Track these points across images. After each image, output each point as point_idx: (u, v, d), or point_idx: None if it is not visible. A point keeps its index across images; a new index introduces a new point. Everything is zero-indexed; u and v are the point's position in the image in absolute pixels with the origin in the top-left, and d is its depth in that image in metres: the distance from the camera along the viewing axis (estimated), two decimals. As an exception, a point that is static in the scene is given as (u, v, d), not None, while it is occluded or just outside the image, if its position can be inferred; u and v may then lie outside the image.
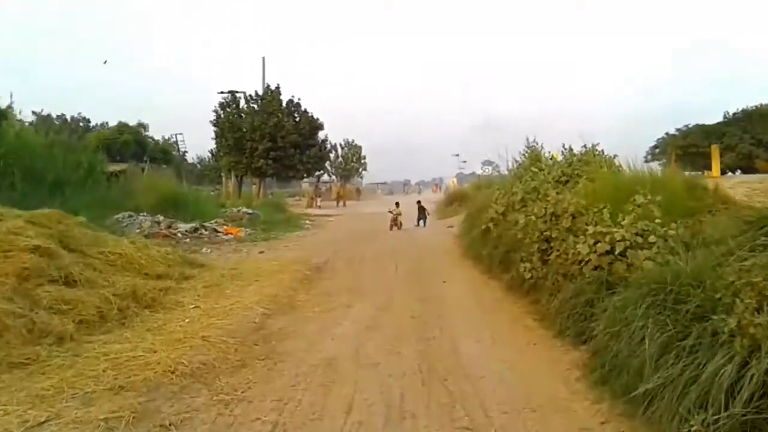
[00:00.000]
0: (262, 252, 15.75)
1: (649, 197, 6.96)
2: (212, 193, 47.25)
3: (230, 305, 8.81)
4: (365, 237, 20.68)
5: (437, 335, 7.26)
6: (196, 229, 19.80)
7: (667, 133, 62.33)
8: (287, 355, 6.62)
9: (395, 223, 23.57)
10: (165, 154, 65.96)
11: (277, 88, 44.74)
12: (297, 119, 44.90)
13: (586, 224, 7.78)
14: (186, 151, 76.78)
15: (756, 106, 62.12)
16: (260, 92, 44.92)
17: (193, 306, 8.80)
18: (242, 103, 45.03)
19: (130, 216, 20.66)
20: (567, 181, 12.13)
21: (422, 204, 26.68)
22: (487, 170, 79.97)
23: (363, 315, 8.56)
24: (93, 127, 76.77)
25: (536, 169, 13.64)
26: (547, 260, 8.50)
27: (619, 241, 6.37)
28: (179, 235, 19.11)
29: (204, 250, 16.03)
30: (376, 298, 9.80)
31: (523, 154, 16.75)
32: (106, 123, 74.42)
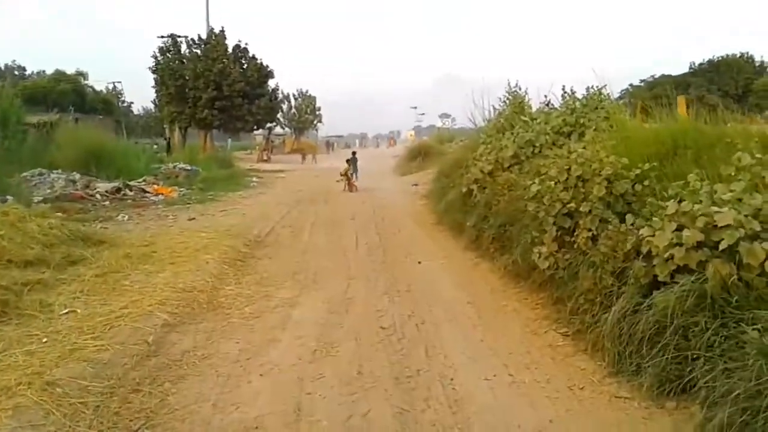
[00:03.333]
0: (192, 219, 12.94)
1: (759, 156, 4.47)
2: (153, 146, 43.83)
3: (121, 309, 6.13)
4: (319, 197, 18.02)
5: (423, 367, 4.74)
6: (119, 189, 16.82)
7: (631, 85, 60.76)
8: (176, 419, 4.01)
9: (348, 182, 20.56)
10: (107, 104, 61.72)
11: (222, 31, 41.13)
12: (244, 66, 41.46)
13: (643, 195, 5.38)
14: (131, 102, 72.60)
15: (722, 57, 61.17)
16: (203, 36, 41.13)
17: (65, 311, 6.08)
18: (184, 48, 41.25)
19: (41, 174, 17.59)
20: (570, 133, 9.69)
21: (355, 156, 23.56)
22: (447, 123, 78.13)
23: (310, 322, 6.00)
24: (29, 75, 71.94)
25: (527, 118, 11.14)
26: (569, 242, 6.08)
27: (723, 227, 3.89)
28: (98, 196, 16.14)
29: (120, 216, 13.13)
30: (329, 290, 7.26)
31: (504, 101, 14.20)
32: (44, 72, 69.77)
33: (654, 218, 4.50)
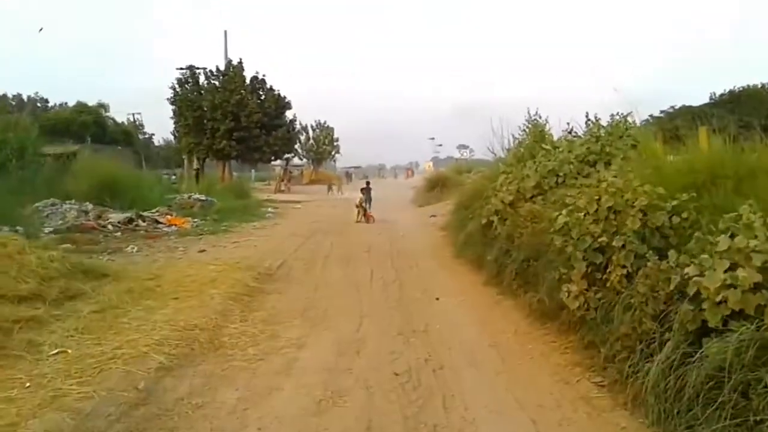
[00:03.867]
0: (202, 251, 12.56)
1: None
2: (171, 177, 43.90)
3: (114, 349, 5.69)
4: (335, 229, 17.56)
5: (440, 422, 4.20)
6: (131, 220, 16.52)
7: (651, 116, 60.04)
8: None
9: (363, 213, 20.08)
10: (127, 135, 62.38)
11: (240, 63, 41.43)
12: (262, 97, 41.60)
13: (680, 228, 4.88)
14: (152, 134, 73.39)
15: (743, 87, 60.31)
16: (222, 68, 41.40)
17: (54, 351, 5.64)
18: (202, 79, 41.52)
19: (53, 204, 17.37)
20: (595, 162, 9.19)
21: (369, 186, 23.25)
22: (465, 153, 77.94)
23: (317, 367, 5.50)
24: (51, 107, 73.07)
25: (548, 147, 10.67)
26: (600, 280, 5.55)
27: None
28: (110, 227, 15.85)
29: (129, 248, 12.78)
30: (340, 329, 6.77)
31: (524, 130, 13.76)
32: (66, 103, 70.86)
33: (703, 255, 3.97)
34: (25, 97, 72.13)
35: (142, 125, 73.62)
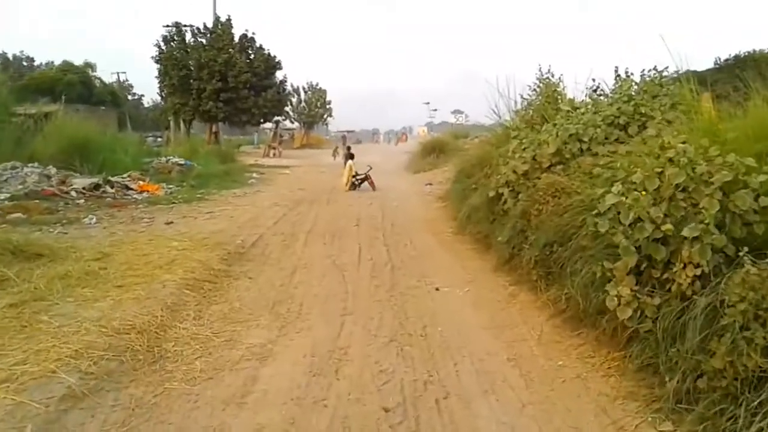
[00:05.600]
0: (169, 222, 11.06)
1: None
2: (156, 139, 42.19)
3: (12, 366, 4.28)
4: (322, 197, 16.06)
5: None
6: (97, 186, 15.01)
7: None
8: None
9: (358, 180, 18.61)
10: (114, 96, 60.29)
11: (228, 20, 39.22)
12: (251, 56, 39.59)
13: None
14: (142, 95, 71.30)
15: (748, 52, 58.58)
16: (209, 25, 39.28)
17: None
18: (189, 37, 39.41)
19: (14, 168, 15.81)
20: (627, 125, 7.73)
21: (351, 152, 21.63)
22: (460, 118, 76.22)
23: (281, 395, 4.09)
24: (37, 66, 70.62)
25: (568, 107, 9.19)
26: (660, 281, 4.16)
27: None
28: (73, 193, 14.33)
29: (87, 218, 11.28)
30: (316, 332, 5.37)
31: (534, 90, 12.22)
32: (52, 63, 68.30)
33: None
34: (10, 56, 69.79)
35: (131, 86, 71.52)
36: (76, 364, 4.37)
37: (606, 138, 7.71)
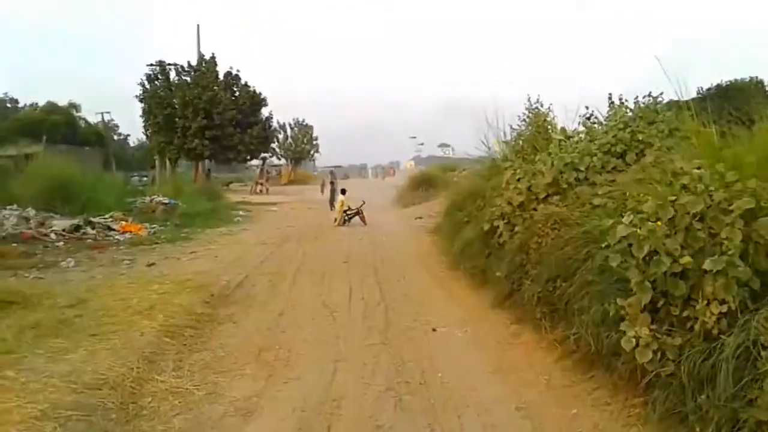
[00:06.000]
0: (151, 264, 10.62)
1: None
2: (141, 179, 41.82)
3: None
4: (310, 234, 15.67)
5: None
6: (77, 227, 14.53)
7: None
8: None
9: (347, 215, 18.28)
10: (99, 136, 59.90)
11: (213, 58, 39.25)
12: (236, 94, 39.51)
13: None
14: (128, 135, 71.15)
15: (731, 81, 59.34)
16: (194, 63, 39.27)
17: None
18: (173, 75, 39.34)
19: (-9, 211, 15.32)
20: (624, 153, 7.48)
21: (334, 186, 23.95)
22: (447, 152, 76.47)
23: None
24: (21, 107, 70.23)
25: (560, 137, 8.96)
26: (678, 319, 3.82)
27: None
28: (52, 236, 13.85)
29: (65, 262, 10.82)
30: (307, 383, 4.95)
31: (523, 120, 12.03)
32: (36, 104, 67.95)
33: None
34: (-6, 98, 69.49)
35: (116, 126, 71.24)
36: (39, 426, 3.93)
37: (603, 167, 7.45)
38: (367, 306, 7.55)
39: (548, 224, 6.39)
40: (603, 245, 4.49)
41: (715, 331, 3.54)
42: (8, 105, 69.73)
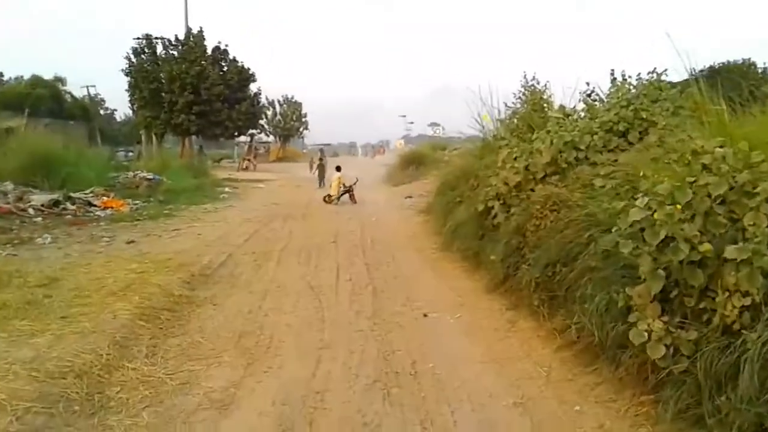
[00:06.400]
0: (131, 242, 10.20)
1: None
2: (127, 154, 41.09)
3: None
4: (297, 212, 15.27)
5: None
6: (57, 203, 14.04)
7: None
8: None
9: (345, 193, 17.81)
10: (85, 110, 58.79)
11: (201, 32, 38.27)
12: (224, 69, 38.69)
13: None
14: (115, 109, 70.07)
15: (723, 63, 59.00)
16: (181, 37, 38.36)
17: None
18: (160, 49, 38.42)
19: (-34, 185, 14.81)
20: (626, 131, 7.14)
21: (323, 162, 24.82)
22: (437, 131, 76.01)
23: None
24: (6, 81, 68.87)
25: (559, 115, 8.62)
26: (693, 310, 3.51)
27: None
28: (30, 211, 13.36)
29: (41, 238, 10.37)
30: (288, 372, 4.61)
31: (519, 97, 11.69)
32: (21, 77, 66.60)
33: None
34: (-22, 72, 68.07)
35: (103, 100, 70.00)
36: (-8, 419, 3.57)
37: (604, 146, 7.12)
38: (354, 288, 7.20)
39: (547, 206, 6.04)
40: (611, 229, 4.15)
41: (736, 326, 3.23)
42: (-8, 78, 68.40)
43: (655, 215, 3.52)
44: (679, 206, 3.47)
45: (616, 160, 6.49)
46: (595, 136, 7.13)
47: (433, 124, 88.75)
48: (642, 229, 3.73)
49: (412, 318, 5.98)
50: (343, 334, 5.46)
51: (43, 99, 54.70)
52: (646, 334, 3.52)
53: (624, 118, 7.17)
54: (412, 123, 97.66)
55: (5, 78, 69.62)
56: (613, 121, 7.22)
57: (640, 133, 7.02)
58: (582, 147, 7.11)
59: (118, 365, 4.65)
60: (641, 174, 4.23)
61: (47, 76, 59.45)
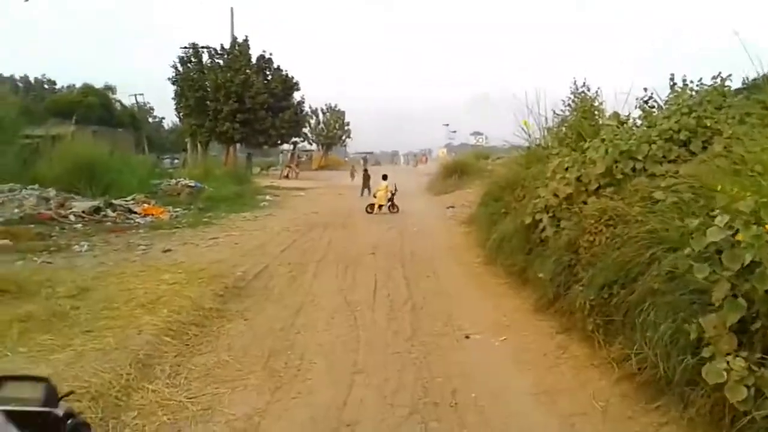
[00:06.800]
0: (167, 250, 10.03)
1: None
2: (173, 161, 41.70)
3: None
4: (337, 221, 14.94)
5: None
6: (98, 209, 14.07)
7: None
8: None
9: (382, 204, 17.35)
10: (134, 118, 60.05)
11: (246, 41, 38.59)
12: (268, 77, 38.89)
13: None
14: (163, 117, 71.51)
15: (756, 78, 56.78)
16: (227, 47, 38.71)
17: None
18: (206, 58, 38.87)
19: (11, 190, 15.00)
20: (688, 140, 6.58)
21: (368, 173, 23.98)
22: (480, 140, 75.32)
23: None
24: (59, 89, 70.95)
25: (613, 123, 8.10)
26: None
27: None
28: (71, 217, 13.42)
29: (78, 245, 10.29)
30: (318, 399, 4.24)
31: (568, 105, 11.15)
32: (73, 85, 68.51)
33: None
34: (32, 79, 70.37)
35: (151, 108, 71.51)
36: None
37: (664, 156, 6.57)
38: (392, 305, 6.80)
39: (602, 220, 5.56)
40: (675, 248, 3.68)
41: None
42: (45, 86, 70.45)
43: (738, 236, 3.04)
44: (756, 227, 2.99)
45: (677, 172, 5.96)
46: (654, 146, 6.58)
47: (476, 133, 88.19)
48: (719, 252, 3.25)
49: (453, 340, 5.55)
50: (378, 357, 5.07)
51: (94, 107, 56.00)
52: (724, 373, 3.04)
53: (685, 126, 6.61)
54: (455, 132, 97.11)
55: (57, 86, 71.79)
56: (673, 129, 6.66)
57: (703, 142, 6.46)
58: (639, 157, 6.58)
59: (138, 386, 4.36)
60: (718, 188, 3.73)
61: (98, 84, 60.86)
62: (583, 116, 10.16)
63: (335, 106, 66.81)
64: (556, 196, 6.95)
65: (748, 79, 7.90)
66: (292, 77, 40.01)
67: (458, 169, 25.21)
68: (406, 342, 5.46)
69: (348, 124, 67.09)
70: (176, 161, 42.38)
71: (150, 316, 5.85)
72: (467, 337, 5.60)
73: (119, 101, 63.22)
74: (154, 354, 4.98)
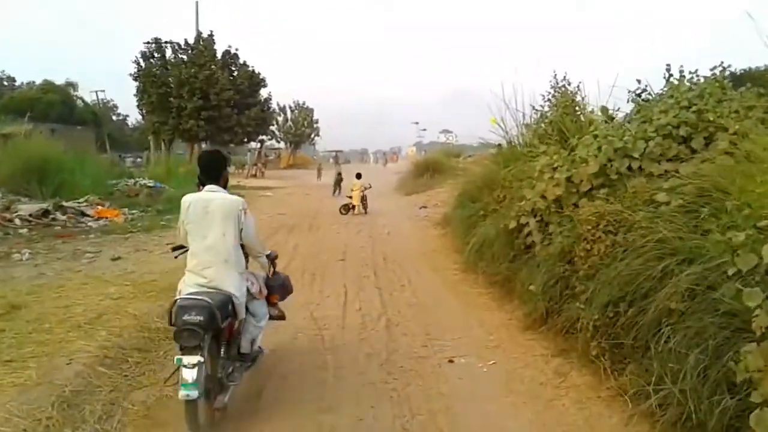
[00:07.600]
0: (116, 258, 9.17)
1: None
2: (135, 160, 40.38)
3: None
4: (304, 223, 14.18)
5: None
6: (46, 212, 13.06)
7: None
8: None
9: (356, 204, 16.62)
10: (95, 116, 58.36)
11: (211, 36, 37.61)
12: (234, 73, 37.93)
13: None
14: (127, 115, 69.87)
15: (744, 70, 57.67)
16: (191, 41, 37.60)
17: None
18: (169, 53, 37.74)
19: (-49, 193, 13.90)
20: (689, 137, 5.99)
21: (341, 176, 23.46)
22: (450, 138, 75.13)
23: None
24: (18, 86, 68.76)
25: (604, 118, 7.53)
26: None
27: None
28: (17, 221, 12.39)
29: (19, 254, 9.35)
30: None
31: (548, 99, 10.54)
32: (33, 82, 66.50)
33: None
34: (-12, 75, 68.23)
35: (115, 106, 69.74)
36: None
37: (662, 154, 5.97)
38: (365, 322, 6.08)
39: (600, 226, 4.92)
40: (691, 259, 3.05)
41: None
42: (5, 83, 68.19)
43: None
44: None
45: (677, 171, 5.38)
46: (651, 143, 5.99)
47: (445, 131, 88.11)
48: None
49: (435, 364, 4.85)
50: (350, 391, 4.34)
51: (54, 104, 54.38)
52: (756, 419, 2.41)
53: (686, 121, 6.02)
54: (424, 130, 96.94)
55: (17, 83, 69.50)
56: (672, 124, 6.06)
57: (705, 138, 5.88)
58: (635, 155, 5.97)
59: (52, 438, 3.58)
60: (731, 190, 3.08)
61: (59, 81, 59.09)
62: (565, 112, 9.57)
63: (304, 104, 65.91)
64: (543, 198, 6.31)
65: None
66: (259, 73, 39.18)
67: (429, 168, 24.59)
68: (381, 369, 4.75)
69: (317, 121, 66.23)
70: (139, 160, 41.09)
71: (84, 341, 5.05)
72: (451, 360, 4.91)
73: (81, 98, 61.51)
74: (84, 390, 4.20)
